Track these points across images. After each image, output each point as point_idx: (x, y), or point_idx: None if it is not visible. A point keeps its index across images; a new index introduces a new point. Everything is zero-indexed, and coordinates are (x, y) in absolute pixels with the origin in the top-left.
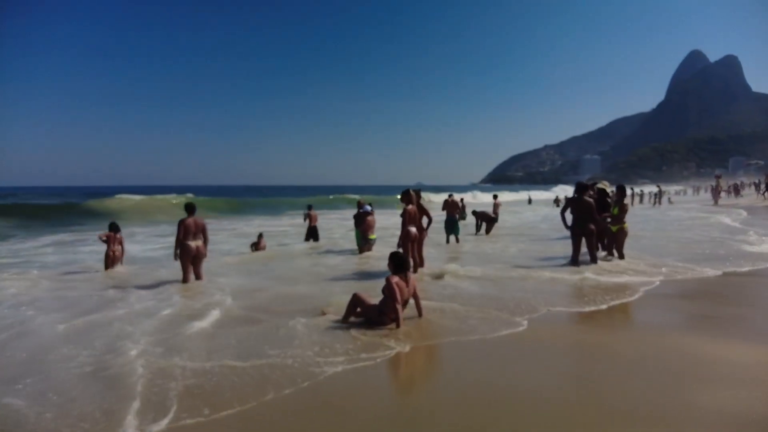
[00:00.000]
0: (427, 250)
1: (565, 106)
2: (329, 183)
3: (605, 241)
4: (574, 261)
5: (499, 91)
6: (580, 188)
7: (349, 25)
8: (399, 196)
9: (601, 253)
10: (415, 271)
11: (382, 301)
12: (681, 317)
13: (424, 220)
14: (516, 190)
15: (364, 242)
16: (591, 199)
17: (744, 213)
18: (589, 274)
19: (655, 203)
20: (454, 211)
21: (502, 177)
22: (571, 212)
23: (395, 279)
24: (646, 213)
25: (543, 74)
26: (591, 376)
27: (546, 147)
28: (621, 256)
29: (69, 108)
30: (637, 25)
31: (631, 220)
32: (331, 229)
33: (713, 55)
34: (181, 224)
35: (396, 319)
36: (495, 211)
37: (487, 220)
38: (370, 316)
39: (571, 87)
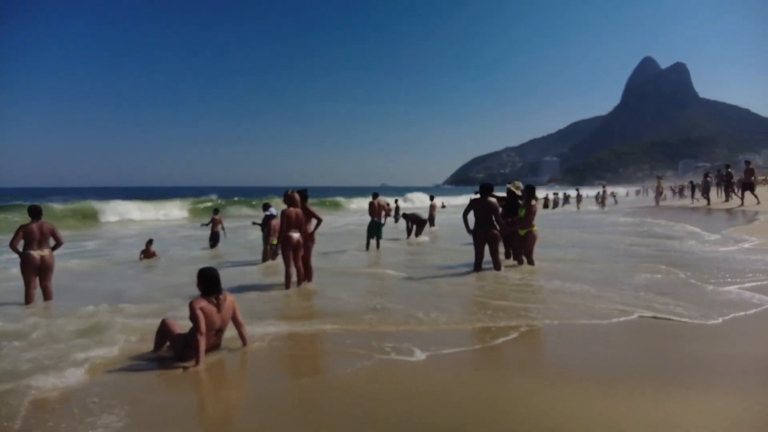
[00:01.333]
0: (339, 256)
1: (525, 109)
2: (297, 184)
3: (514, 247)
4: (477, 268)
5: (462, 93)
6: (484, 189)
7: (312, 25)
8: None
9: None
10: (298, 284)
11: (190, 330)
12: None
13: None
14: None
15: (268, 249)
16: (495, 200)
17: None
18: (488, 285)
19: (602, 204)
20: (379, 215)
21: (464, 178)
22: (474, 215)
23: (201, 303)
24: (561, 217)
25: (504, 77)
26: None
27: (507, 149)
28: (530, 262)
29: (60, 109)
30: (594, 31)
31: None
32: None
33: (664, 62)
34: (20, 231)
35: (196, 353)
36: (431, 213)
37: (416, 222)
38: (176, 348)
39: (531, 90)
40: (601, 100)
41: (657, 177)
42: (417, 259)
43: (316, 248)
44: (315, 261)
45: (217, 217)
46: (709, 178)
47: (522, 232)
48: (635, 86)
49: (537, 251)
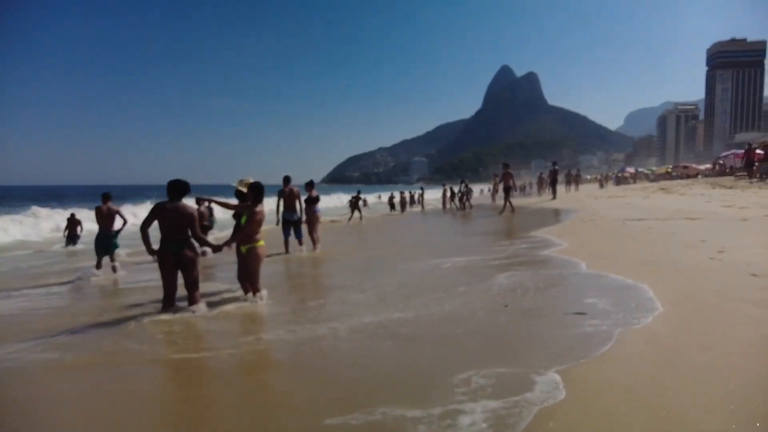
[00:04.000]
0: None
1: (397, 111)
2: (156, 182)
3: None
4: (167, 304)
5: (338, 93)
6: (174, 188)
7: (173, 14)
8: None
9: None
10: None
11: None
12: None
13: None
14: (351, 191)
15: None
16: (192, 207)
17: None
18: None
19: (444, 204)
20: (107, 224)
21: (340, 177)
22: (160, 228)
23: None
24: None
25: (378, 80)
26: None
27: (380, 149)
28: (255, 290)
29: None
30: (459, 39)
31: None
32: None
33: (519, 71)
34: None
35: None
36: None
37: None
38: None
39: (402, 93)
40: (464, 104)
41: (494, 175)
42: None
43: None
44: None
45: None
46: (544, 176)
47: (243, 249)
48: (494, 92)
49: None
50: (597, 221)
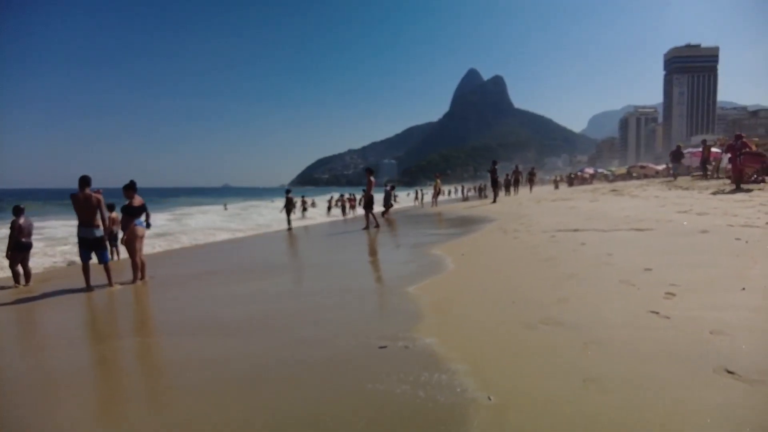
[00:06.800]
0: None
1: (366, 114)
2: (112, 185)
3: None
4: None
5: (307, 95)
6: None
7: (136, 13)
8: None
9: None
10: None
11: None
12: None
13: None
14: (323, 193)
15: None
16: None
17: None
18: None
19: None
20: None
21: (310, 179)
22: None
23: None
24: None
25: (347, 80)
26: None
27: (350, 151)
28: None
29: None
30: (426, 43)
31: None
32: None
33: (486, 74)
34: None
35: None
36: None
37: None
38: None
39: (371, 95)
40: (433, 107)
41: (435, 176)
42: None
43: None
44: None
45: None
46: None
47: None
48: (462, 95)
49: None
50: (521, 232)
